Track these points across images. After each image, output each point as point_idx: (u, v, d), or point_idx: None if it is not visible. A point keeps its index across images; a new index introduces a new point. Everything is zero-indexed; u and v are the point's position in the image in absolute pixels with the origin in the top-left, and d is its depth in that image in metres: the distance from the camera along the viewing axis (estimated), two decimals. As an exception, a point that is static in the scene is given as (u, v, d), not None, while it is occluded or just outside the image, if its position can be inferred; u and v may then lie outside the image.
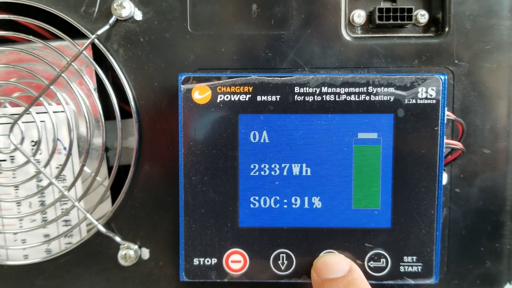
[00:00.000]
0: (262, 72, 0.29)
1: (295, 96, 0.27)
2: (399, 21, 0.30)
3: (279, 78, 0.28)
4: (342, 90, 0.27)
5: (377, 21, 0.30)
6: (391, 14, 0.29)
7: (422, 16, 0.30)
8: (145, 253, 0.32)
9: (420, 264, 0.28)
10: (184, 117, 0.28)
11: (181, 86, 0.28)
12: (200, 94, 0.27)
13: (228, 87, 0.27)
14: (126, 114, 0.31)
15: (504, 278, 0.31)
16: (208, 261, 0.29)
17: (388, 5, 0.30)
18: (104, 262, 0.32)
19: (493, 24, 0.30)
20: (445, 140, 0.28)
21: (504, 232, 0.31)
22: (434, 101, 0.27)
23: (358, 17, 0.30)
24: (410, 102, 0.27)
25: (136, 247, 0.31)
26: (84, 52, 0.30)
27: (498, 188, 0.31)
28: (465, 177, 0.31)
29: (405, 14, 0.30)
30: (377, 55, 0.30)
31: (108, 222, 0.31)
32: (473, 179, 0.31)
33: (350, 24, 0.31)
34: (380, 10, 0.30)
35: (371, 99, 0.27)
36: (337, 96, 0.27)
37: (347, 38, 0.30)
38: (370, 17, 0.30)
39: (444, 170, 0.30)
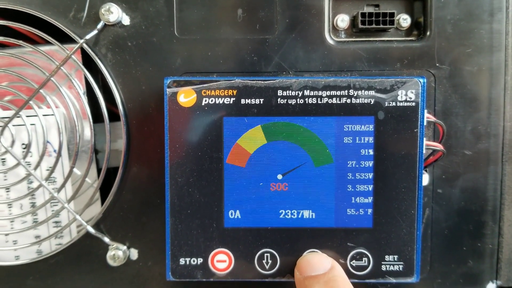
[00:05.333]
0: (248, 75, 0.30)
1: (278, 99, 0.28)
2: (381, 25, 0.30)
3: (262, 82, 0.28)
4: (324, 93, 0.28)
5: (360, 26, 0.30)
6: (373, 18, 0.30)
7: (404, 20, 0.31)
8: (134, 254, 0.32)
9: (402, 263, 0.29)
10: (170, 120, 0.28)
11: (167, 89, 0.28)
12: (186, 97, 0.28)
13: (213, 91, 0.28)
14: (114, 117, 0.32)
15: (487, 277, 0.32)
16: (194, 261, 0.29)
17: (371, 9, 0.31)
18: (93, 263, 0.32)
19: (474, 28, 0.30)
20: (426, 142, 0.29)
21: (486, 232, 0.32)
22: (413, 104, 0.28)
23: (341, 21, 0.31)
24: (390, 104, 0.28)
25: (124, 247, 0.32)
26: (73, 56, 0.30)
27: (480, 188, 0.31)
28: (447, 178, 0.31)
29: (388, 18, 0.30)
30: (360, 58, 0.30)
31: (97, 223, 0.32)
32: (455, 180, 0.31)
33: (334, 28, 0.31)
34: (363, 14, 0.30)
35: (352, 102, 0.28)
36: (319, 99, 0.28)
37: (331, 42, 0.31)
38: (353, 21, 0.31)
39: (426, 171, 0.31)
